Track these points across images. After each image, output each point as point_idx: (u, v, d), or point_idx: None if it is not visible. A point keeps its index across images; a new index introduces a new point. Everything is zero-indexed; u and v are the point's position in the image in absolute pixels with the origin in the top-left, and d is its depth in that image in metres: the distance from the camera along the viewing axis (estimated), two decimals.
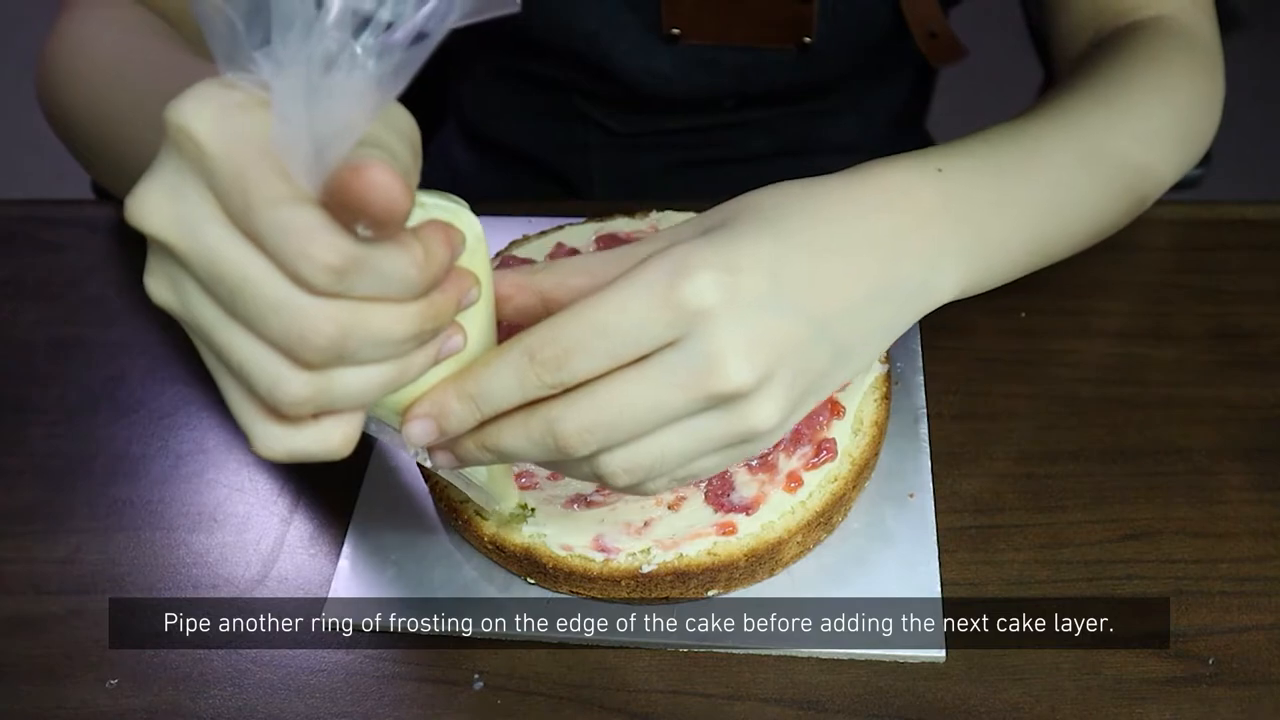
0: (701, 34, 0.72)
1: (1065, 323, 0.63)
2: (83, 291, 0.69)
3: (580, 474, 0.41)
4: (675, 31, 0.71)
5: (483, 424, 0.39)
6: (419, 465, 0.55)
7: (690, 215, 0.47)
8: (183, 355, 0.65)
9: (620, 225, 0.64)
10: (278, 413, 0.35)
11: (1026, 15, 0.97)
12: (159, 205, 0.33)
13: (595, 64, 0.73)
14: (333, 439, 0.36)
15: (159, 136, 0.44)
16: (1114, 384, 0.60)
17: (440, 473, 0.44)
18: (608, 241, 0.63)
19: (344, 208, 0.31)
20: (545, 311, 0.41)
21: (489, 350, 0.39)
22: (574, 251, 0.63)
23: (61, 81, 0.59)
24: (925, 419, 0.58)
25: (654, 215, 0.64)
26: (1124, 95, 0.54)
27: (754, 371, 0.38)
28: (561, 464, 0.41)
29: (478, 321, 0.39)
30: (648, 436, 0.39)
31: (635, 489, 0.41)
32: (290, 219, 0.31)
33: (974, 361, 0.61)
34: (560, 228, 0.64)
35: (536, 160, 0.84)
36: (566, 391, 0.38)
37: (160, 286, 0.35)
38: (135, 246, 0.71)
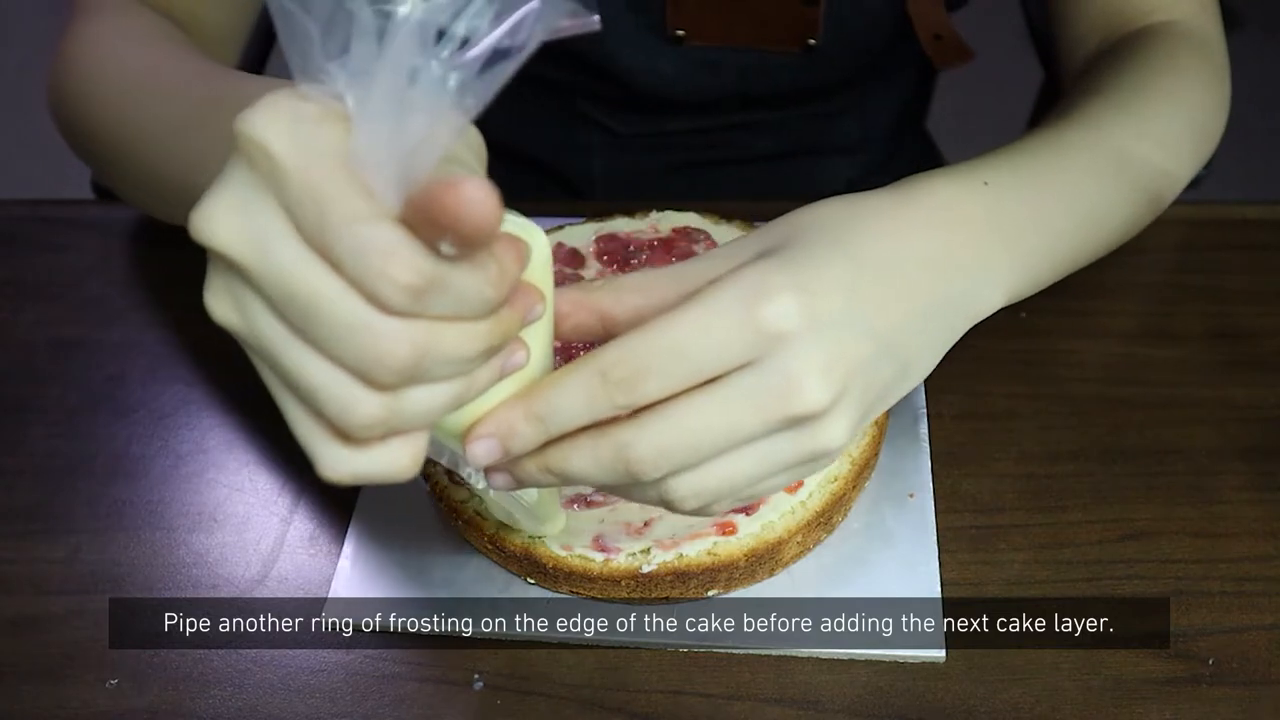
0: (706, 35, 0.72)
1: (1066, 323, 0.63)
2: (83, 291, 0.69)
3: (643, 498, 0.40)
4: (680, 33, 0.71)
5: (546, 446, 0.38)
6: (425, 462, 0.55)
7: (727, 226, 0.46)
8: (183, 355, 0.65)
9: (620, 225, 0.64)
10: (345, 435, 0.33)
11: (1027, 16, 0.97)
12: (227, 220, 0.32)
13: (598, 65, 0.73)
14: (402, 460, 0.35)
15: (192, 145, 0.43)
16: (1114, 384, 0.60)
17: (491, 493, 0.43)
18: (608, 241, 0.63)
19: (432, 224, 0.30)
20: (602, 329, 0.40)
21: (558, 370, 0.38)
22: (574, 251, 0.63)
23: (79, 91, 0.58)
24: (925, 419, 0.58)
25: (654, 215, 0.64)
26: (1146, 103, 0.54)
27: (830, 392, 0.38)
28: (626, 488, 0.39)
29: (539, 338, 0.38)
30: (718, 459, 0.38)
31: (700, 512, 0.40)
32: (369, 237, 0.30)
33: (974, 361, 0.61)
34: (560, 227, 0.64)
35: (537, 161, 0.84)
36: (635, 413, 0.37)
37: (222, 304, 0.34)
38: (135, 247, 0.72)
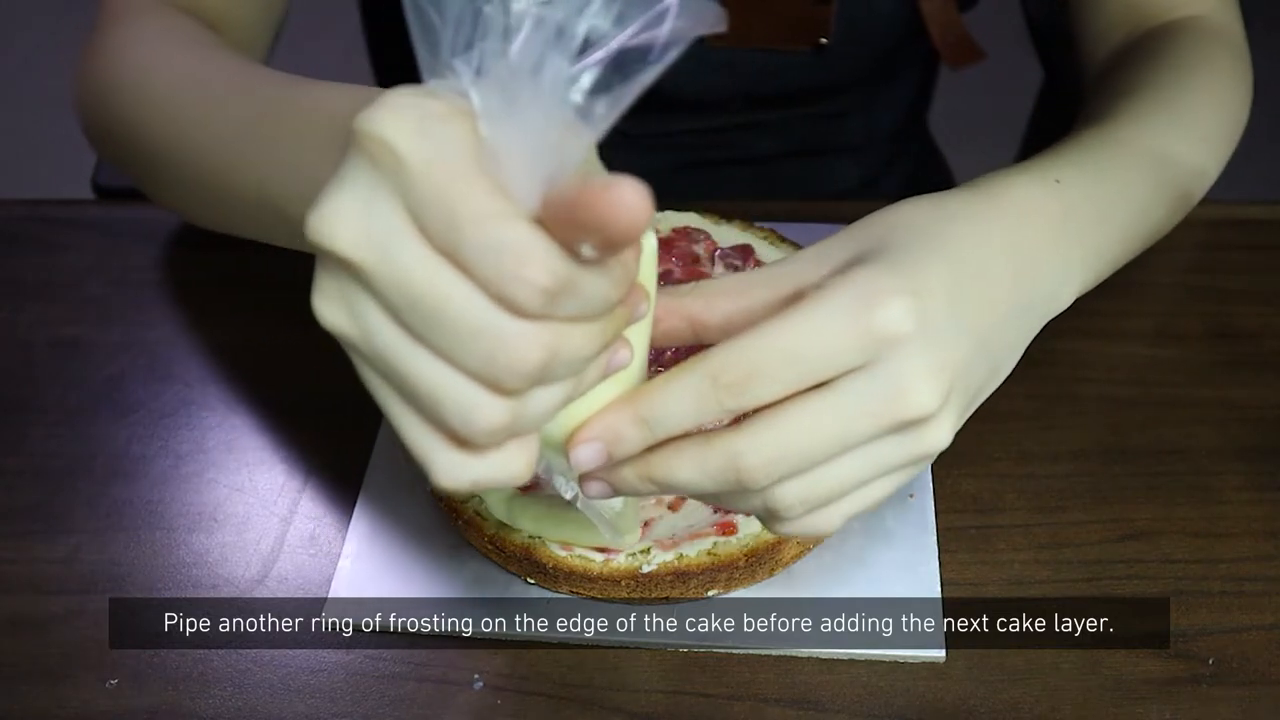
0: (723, 37, 0.72)
1: (1066, 323, 0.63)
2: (83, 291, 0.69)
3: (746, 506, 0.39)
4: None
5: (649, 455, 0.38)
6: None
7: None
8: (183, 355, 0.65)
9: None
10: (462, 441, 0.33)
11: (1027, 16, 0.97)
12: (348, 222, 0.31)
13: None
14: (519, 463, 0.34)
15: (261, 148, 0.42)
16: (1114, 384, 0.60)
17: (579, 502, 0.42)
18: None
19: (577, 225, 0.29)
20: (691, 334, 0.40)
21: (662, 375, 0.37)
22: None
23: (120, 94, 0.56)
24: None
25: (654, 215, 0.64)
26: (1185, 103, 0.55)
27: (939, 395, 0.37)
28: (728, 496, 0.39)
29: (640, 338, 0.37)
30: (826, 465, 0.37)
31: (802, 523, 0.39)
32: (504, 237, 0.29)
33: None
34: None
35: None
36: (742, 421, 0.37)
37: (333, 309, 0.33)
38: (135, 246, 0.72)
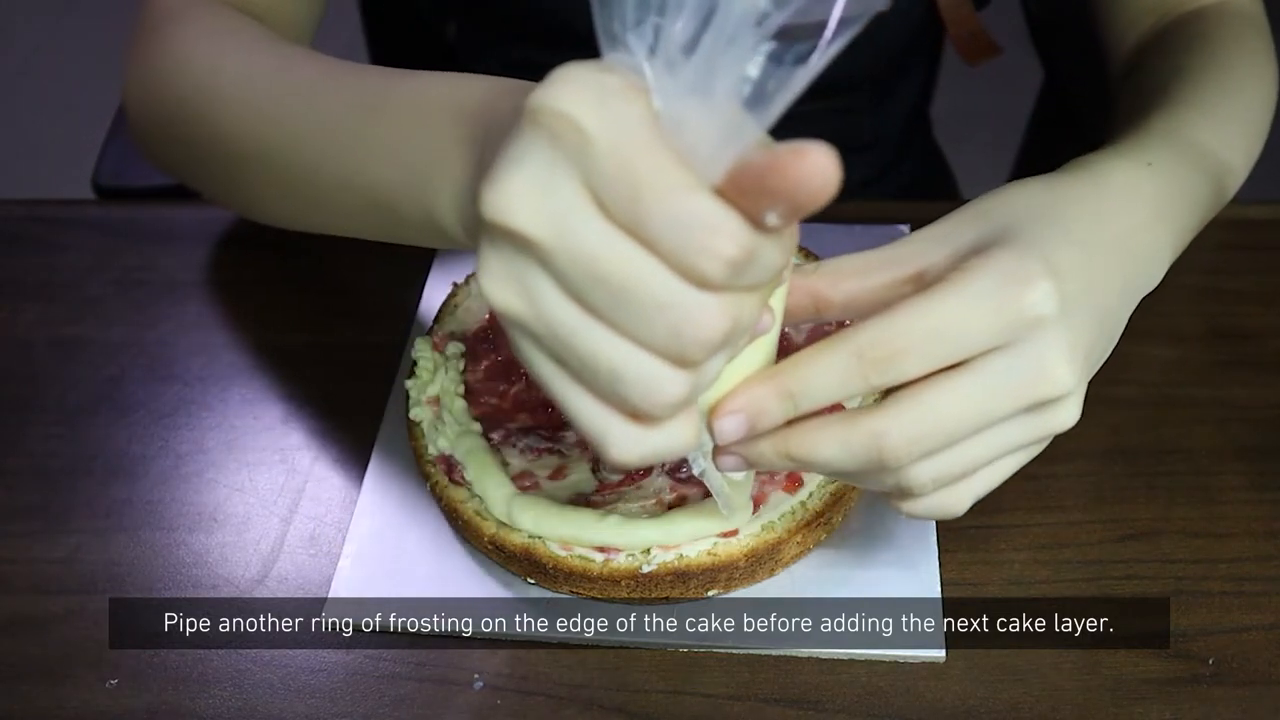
0: None
1: None
2: (83, 291, 0.69)
3: (878, 484, 0.40)
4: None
5: (789, 431, 0.39)
6: (425, 461, 0.55)
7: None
8: (183, 355, 0.65)
9: None
10: (638, 415, 0.33)
11: (1027, 15, 0.97)
12: (528, 200, 0.31)
13: None
14: (690, 432, 0.34)
15: (365, 139, 0.42)
16: (1114, 384, 0.60)
17: (705, 474, 0.43)
18: None
19: (768, 193, 0.29)
20: (814, 310, 0.41)
21: (806, 350, 0.38)
22: None
23: (190, 95, 0.54)
24: None
25: None
26: (1228, 100, 0.55)
27: (1076, 375, 0.38)
28: (866, 475, 0.40)
29: (779, 307, 0.38)
30: (962, 443, 0.38)
31: (931, 501, 0.40)
32: (692, 210, 0.30)
33: None
34: None
35: None
36: (884, 399, 0.38)
37: (504, 289, 0.32)
38: (136, 247, 0.72)
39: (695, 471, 0.42)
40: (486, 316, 0.60)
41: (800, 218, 0.30)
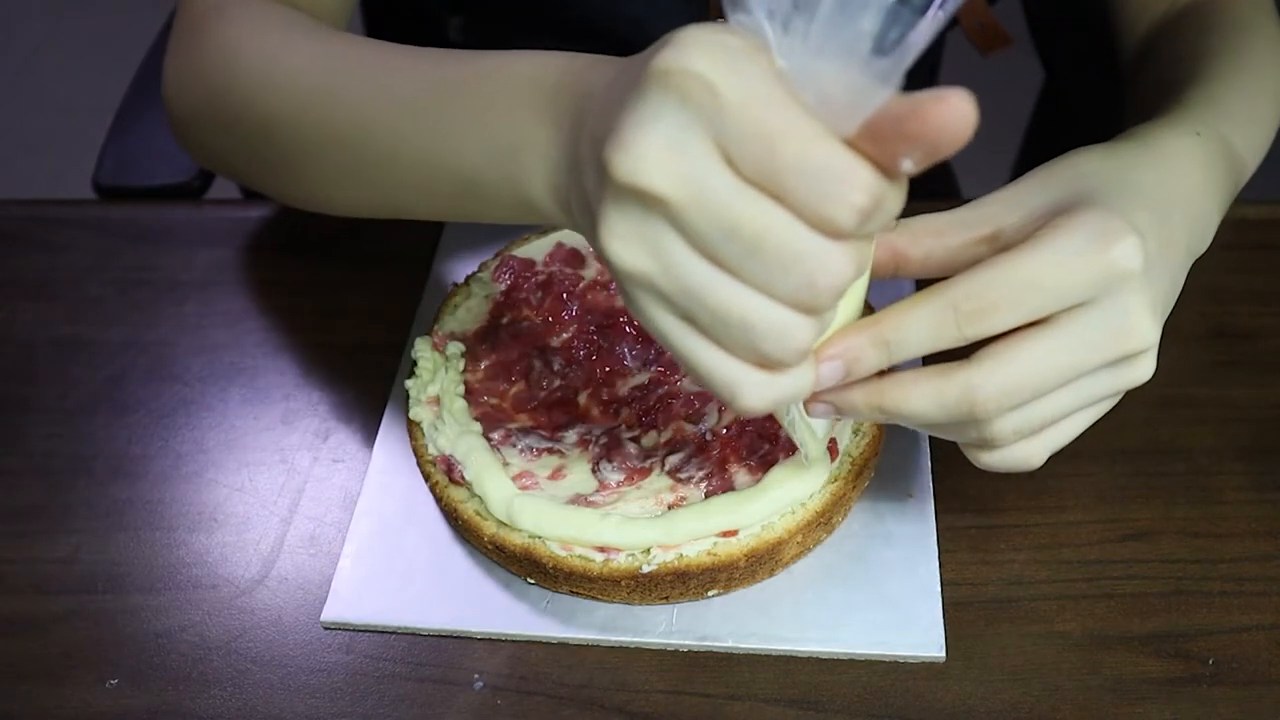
0: None
1: None
2: (83, 291, 0.69)
3: (963, 437, 0.42)
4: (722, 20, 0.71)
5: (882, 383, 0.41)
6: (425, 461, 0.55)
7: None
8: (183, 355, 0.65)
9: None
10: (767, 364, 0.35)
11: (1027, 15, 0.97)
12: (660, 160, 0.32)
13: (637, 50, 0.73)
14: (810, 376, 0.37)
15: (443, 119, 0.44)
16: None
17: (789, 419, 0.45)
18: None
19: (908, 139, 0.30)
20: (893, 267, 0.43)
21: (900, 302, 0.40)
22: (574, 251, 0.63)
23: (242, 89, 0.54)
24: None
25: None
26: (1245, 104, 0.55)
27: (1156, 329, 0.40)
28: (953, 427, 0.41)
29: (869, 259, 0.39)
30: (1047, 396, 0.40)
31: (1009, 452, 0.42)
32: (826, 161, 0.31)
33: None
34: (561, 228, 0.65)
35: None
36: (974, 353, 0.40)
37: (631, 250, 0.34)
38: (135, 246, 0.71)
39: (785, 422, 0.44)
40: (486, 316, 0.60)
41: (936, 161, 0.31)
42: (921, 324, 0.39)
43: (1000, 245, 0.41)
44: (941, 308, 0.39)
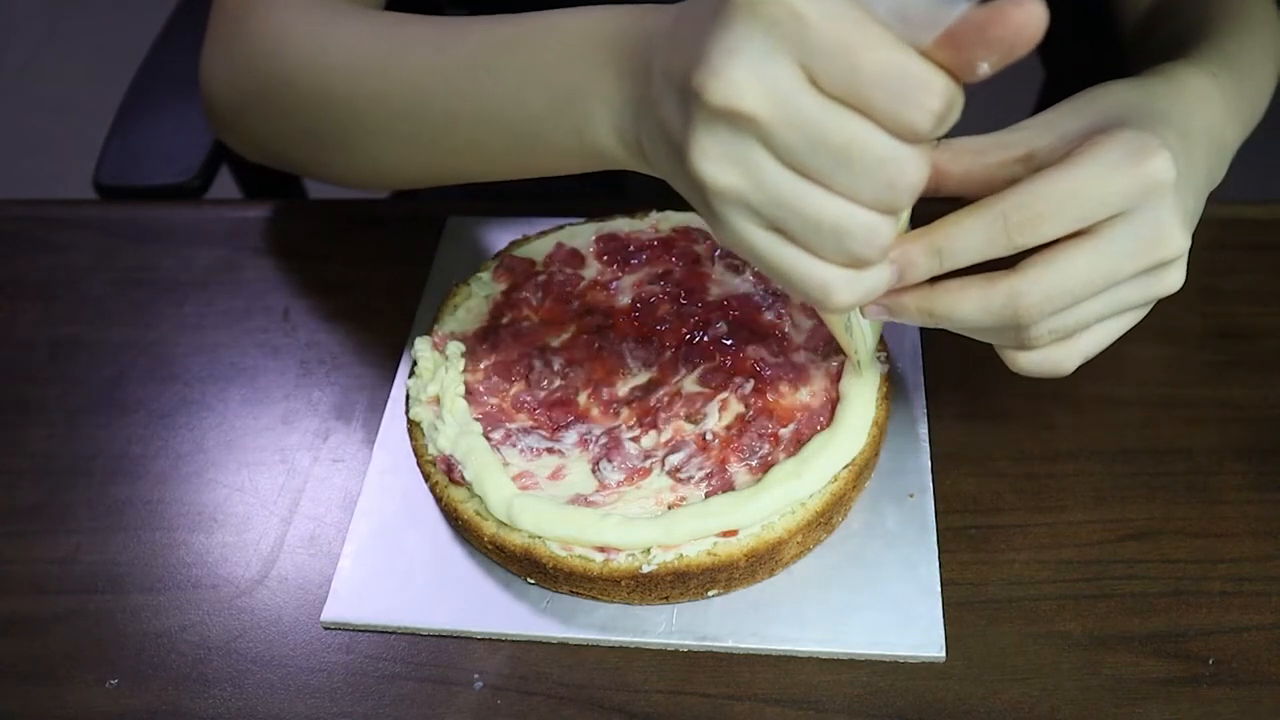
0: None
1: None
2: (83, 291, 0.69)
3: (1001, 340, 0.45)
4: None
5: (933, 290, 0.44)
6: (425, 461, 0.55)
7: None
8: (183, 355, 0.65)
9: (620, 225, 0.64)
10: (855, 263, 0.38)
11: None
12: (750, 82, 0.35)
13: None
14: (887, 273, 0.41)
15: (499, 78, 0.48)
16: (1114, 384, 0.60)
17: (846, 322, 0.49)
18: (608, 241, 0.63)
19: (987, 44, 0.33)
20: (934, 184, 0.45)
21: (953, 214, 0.43)
22: (574, 251, 0.63)
23: (302, 73, 0.55)
24: (925, 419, 0.58)
25: (654, 215, 0.64)
26: (1252, 37, 0.58)
27: (1187, 239, 0.43)
28: (996, 331, 0.44)
29: None
30: (1085, 302, 0.43)
31: (1044, 353, 0.45)
32: (906, 69, 0.34)
33: (974, 361, 0.61)
34: (560, 228, 0.64)
35: None
36: (1019, 262, 0.42)
37: (724, 169, 0.37)
38: (135, 246, 0.71)
39: (839, 330, 0.49)
40: (486, 316, 0.60)
41: (1013, 60, 0.34)
42: (973, 234, 0.42)
43: (1035, 165, 0.43)
44: (993, 219, 0.42)
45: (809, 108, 0.35)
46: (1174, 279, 0.45)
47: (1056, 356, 0.45)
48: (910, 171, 0.36)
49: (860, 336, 0.51)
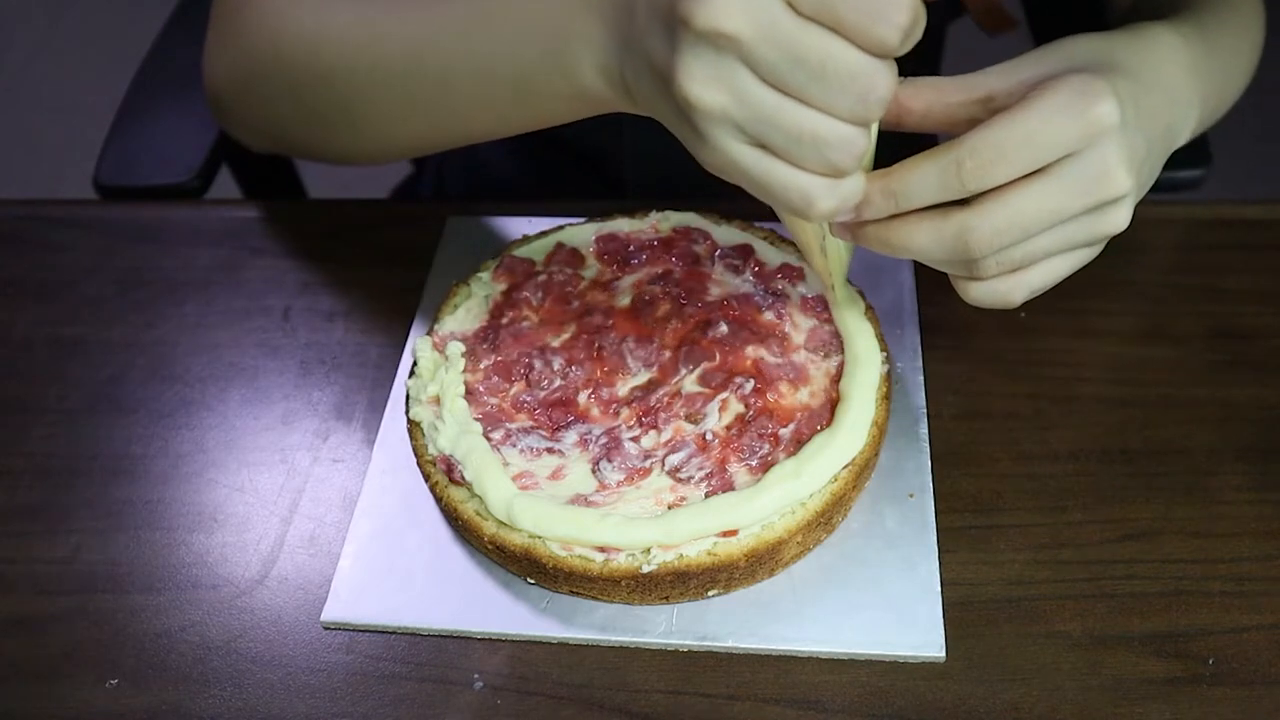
0: None
1: (1065, 323, 0.63)
2: (83, 291, 0.69)
3: (953, 269, 0.47)
4: None
5: (890, 223, 0.46)
6: (425, 461, 0.55)
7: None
8: (183, 355, 0.65)
9: (620, 225, 0.64)
10: (833, 172, 0.41)
11: (1026, 10, 0.97)
12: (732, 5, 0.38)
13: None
14: (862, 182, 0.43)
15: (493, 36, 0.51)
16: (1114, 384, 0.60)
17: (804, 238, 0.53)
18: (608, 241, 0.63)
19: None
20: (895, 118, 0.47)
21: (911, 158, 0.45)
22: (574, 251, 0.63)
23: (300, 51, 0.59)
24: (925, 419, 0.58)
25: (654, 215, 0.64)
26: (1227, 25, 0.60)
27: (1131, 180, 0.45)
28: (949, 262, 0.47)
29: None
30: (1033, 238, 0.45)
31: (993, 284, 0.47)
32: None
33: (974, 361, 0.61)
34: (560, 228, 0.64)
35: (565, 138, 0.84)
36: (974, 199, 0.44)
37: (709, 89, 0.40)
38: (135, 247, 0.71)
39: (813, 252, 0.52)
40: (486, 316, 0.60)
41: None
42: (928, 178, 0.44)
43: (993, 108, 0.45)
44: (945, 165, 0.44)
45: (787, 27, 0.38)
46: (1119, 218, 0.46)
47: (1003, 288, 0.47)
48: (880, 84, 0.39)
49: (835, 257, 0.54)
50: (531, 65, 0.50)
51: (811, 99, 0.39)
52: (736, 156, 0.41)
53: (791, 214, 0.45)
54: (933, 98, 0.47)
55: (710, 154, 0.42)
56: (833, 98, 0.39)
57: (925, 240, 0.46)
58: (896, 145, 0.48)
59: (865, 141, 0.41)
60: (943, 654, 0.50)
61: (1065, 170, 0.44)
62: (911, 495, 0.55)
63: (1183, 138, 0.52)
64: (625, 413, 0.55)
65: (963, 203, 0.45)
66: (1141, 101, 0.47)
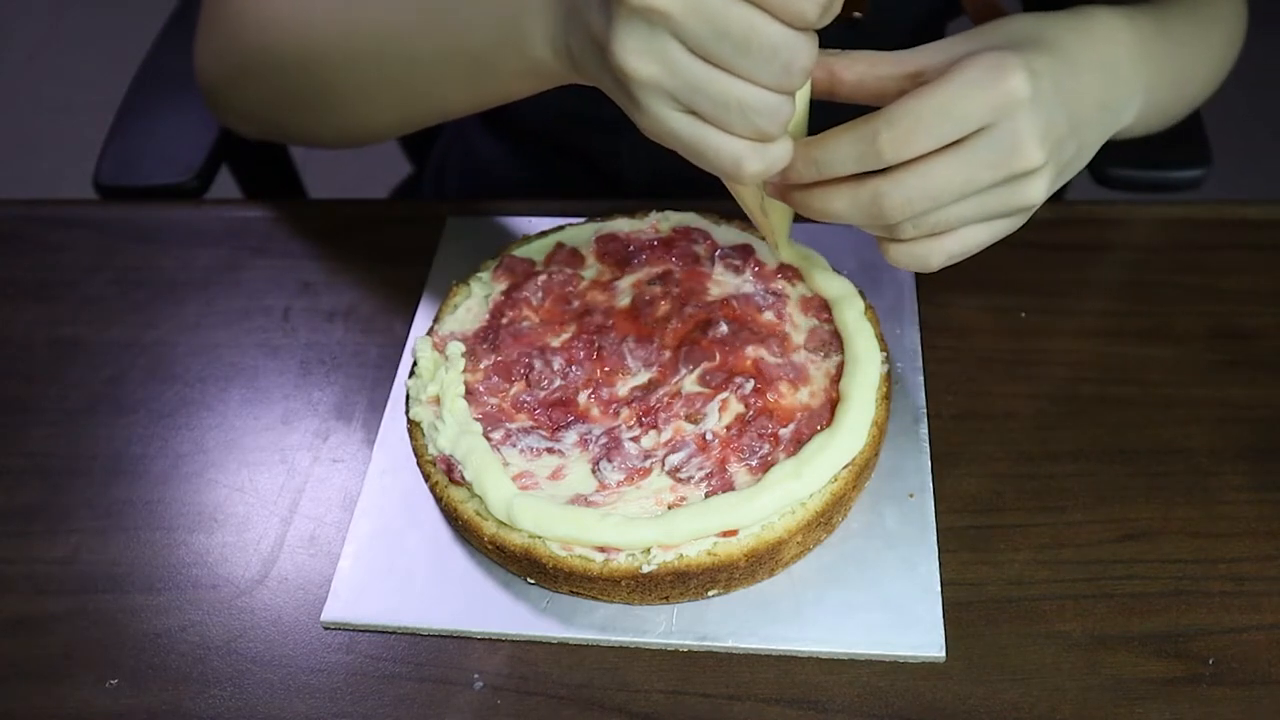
0: None
1: (1065, 323, 0.63)
2: (83, 291, 0.69)
3: (874, 230, 0.49)
4: None
5: (812, 189, 0.48)
6: (425, 461, 0.55)
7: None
8: (183, 355, 0.65)
9: (620, 225, 0.64)
10: (760, 136, 0.43)
11: (1025, 8, 0.97)
12: None
13: None
14: (789, 146, 0.45)
15: (458, 16, 0.53)
16: (1114, 384, 0.60)
17: (744, 198, 0.53)
18: (608, 241, 0.63)
19: None
20: (828, 86, 0.50)
21: (834, 129, 0.47)
22: (574, 251, 0.63)
23: (279, 37, 0.61)
24: (925, 419, 0.58)
25: (654, 215, 0.64)
26: (1196, 20, 0.62)
27: (1043, 154, 0.46)
28: (865, 223, 0.49)
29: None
30: (947, 206, 0.47)
31: (911, 247, 0.49)
32: None
33: (974, 361, 0.61)
34: (560, 228, 0.64)
35: (561, 138, 0.84)
36: (893, 168, 0.46)
37: (642, 60, 0.42)
38: (135, 247, 0.71)
39: (758, 208, 0.53)
40: (486, 316, 0.60)
41: None
42: (845, 149, 0.46)
43: (921, 82, 0.47)
44: (865, 135, 0.46)
45: (714, 2, 0.40)
46: (1033, 191, 0.48)
47: (921, 251, 0.49)
48: (801, 56, 0.41)
49: (777, 217, 0.55)
50: (489, 42, 0.52)
51: (738, 69, 0.41)
52: (670, 123, 0.43)
53: (725, 177, 0.46)
54: (865, 70, 0.49)
55: (647, 121, 0.44)
56: (757, 68, 0.41)
57: (842, 204, 0.48)
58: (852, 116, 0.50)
59: (790, 108, 0.43)
60: (943, 654, 0.50)
61: (979, 142, 0.46)
62: (911, 495, 0.55)
63: (1125, 119, 0.54)
64: (625, 413, 0.55)
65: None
66: (1064, 79, 0.48)
